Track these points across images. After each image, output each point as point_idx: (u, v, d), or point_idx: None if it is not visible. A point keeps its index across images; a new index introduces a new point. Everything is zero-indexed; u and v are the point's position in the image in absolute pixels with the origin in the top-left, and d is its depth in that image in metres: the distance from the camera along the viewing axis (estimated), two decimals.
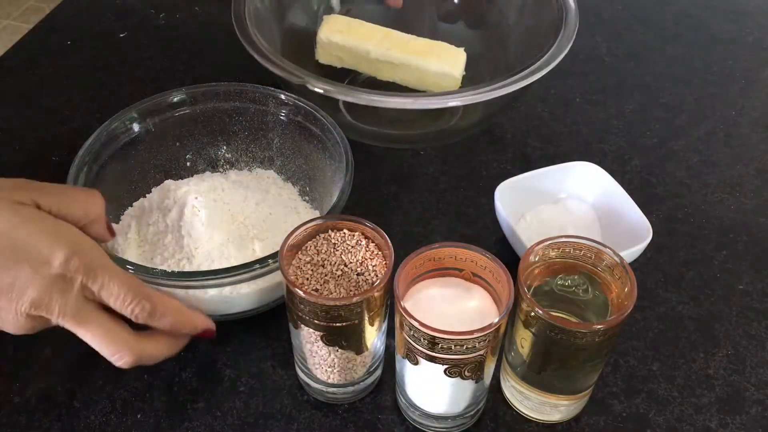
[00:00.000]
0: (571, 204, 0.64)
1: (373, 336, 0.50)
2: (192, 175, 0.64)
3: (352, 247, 0.49)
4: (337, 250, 0.49)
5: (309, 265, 0.49)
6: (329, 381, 0.51)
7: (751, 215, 0.68)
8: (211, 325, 0.51)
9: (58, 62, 0.82)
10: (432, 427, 0.52)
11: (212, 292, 0.53)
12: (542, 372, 0.49)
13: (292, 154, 0.64)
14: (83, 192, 0.49)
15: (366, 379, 0.53)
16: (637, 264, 0.61)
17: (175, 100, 0.62)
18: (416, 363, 0.46)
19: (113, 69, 0.82)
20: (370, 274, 0.49)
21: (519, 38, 0.75)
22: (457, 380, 0.47)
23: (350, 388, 0.52)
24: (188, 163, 0.65)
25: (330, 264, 0.49)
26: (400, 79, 0.72)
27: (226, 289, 0.53)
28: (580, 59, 0.85)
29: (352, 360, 0.50)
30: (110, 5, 0.90)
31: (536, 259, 0.49)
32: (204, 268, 0.53)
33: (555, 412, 0.52)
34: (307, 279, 0.48)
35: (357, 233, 0.50)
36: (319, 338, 0.48)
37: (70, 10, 0.90)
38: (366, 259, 0.49)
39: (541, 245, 0.48)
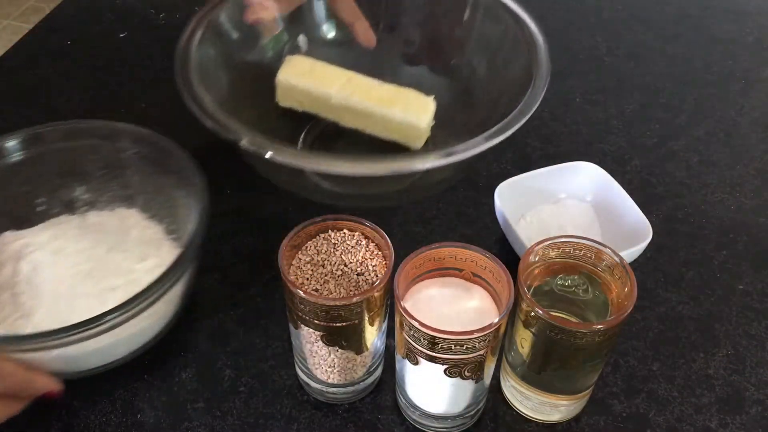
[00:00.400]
0: (571, 204, 0.64)
1: (373, 336, 0.50)
2: (46, 220, 0.60)
3: (352, 247, 0.50)
4: (337, 250, 0.49)
5: (309, 265, 0.49)
6: (329, 381, 0.51)
7: (751, 215, 0.68)
8: (54, 386, 0.48)
9: (58, 62, 0.82)
10: (432, 427, 0.52)
11: (56, 351, 0.48)
12: (542, 372, 0.49)
13: (153, 191, 0.60)
14: None
15: (366, 379, 0.53)
16: (637, 264, 0.61)
17: (10, 144, 0.58)
18: (416, 363, 0.46)
19: (113, 69, 0.82)
20: (370, 274, 0.49)
21: (490, 87, 0.67)
22: (457, 380, 0.47)
23: (350, 388, 0.52)
24: (41, 208, 0.60)
25: (330, 264, 0.49)
26: (363, 126, 0.66)
27: (72, 348, 0.48)
28: (580, 59, 0.85)
29: (352, 360, 0.50)
30: (110, 5, 0.90)
31: (536, 259, 0.49)
32: (45, 327, 0.47)
33: (555, 412, 0.52)
34: (307, 279, 0.48)
35: (357, 233, 0.50)
36: (319, 338, 0.48)
37: (70, 10, 0.90)
38: (366, 259, 0.49)
39: (541, 245, 0.48)
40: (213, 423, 0.52)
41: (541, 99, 0.57)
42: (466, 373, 0.46)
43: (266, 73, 0.67)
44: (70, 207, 0.61)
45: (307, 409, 0.53)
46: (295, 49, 0.71)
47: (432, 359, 0.45)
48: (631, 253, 0.58)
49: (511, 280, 0.45)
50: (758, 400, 0.54)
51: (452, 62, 0.72)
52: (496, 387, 0.54)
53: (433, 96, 0.66)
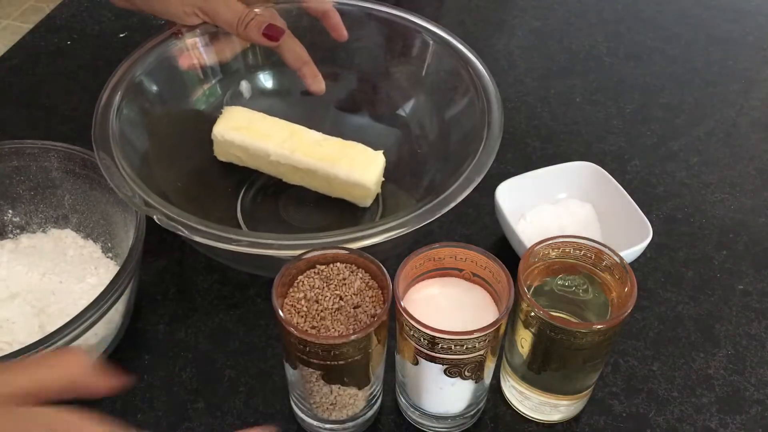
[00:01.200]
0: (571, 204, 0.64)
1: (378, 366, 0.48)
2: None
3: (346, 278, 0.47)
4: (330, 284, 0.47)
5: (303, 301, 0.46)
6: (330, 418, 0.49)
7: (751, 215, 0.68)
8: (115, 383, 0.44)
9: (58, 62, 0.82)
10: (432, 427, 0.52)
11: None
12: (542, 372, 0.49)
13: (87, 209, 0.59)
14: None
15: (366, 413, 0.51)
16: (637, 264, 0.61)
17: None
18: (416, 363, 0.46)
19: (113, 69, 0.82)
20: (367, 306, 0.46)
21: (441, 137, 0.64)
22: (457, 380, 0.47)
23: (350, 424, 0.51)
24: None
25: (324, 299, 0.46)
26: (308, 184, 0.63)
27: None
28: (580, 59, 0.85)
29: (354, 396, 0.48)
30: (110, 5, 0.90)
31: (536, 259, 0.49)
32: None
33: (555, 412, 0.52)
34: (303, 317, 0.45)
35: (350, 264, 0.48)
36: (320, 377, 0.46)
37: (70, 10, 0.90)
38: (362, 290, 0.47)
39: (541, 245, 0.48)
40: (213, 423, 0.52)
41: (497, 149, 0.56)
42: (466, 373, 0.46)
43: (208, 121, 0.64)
44: (0, 232, 0.60)
45: None
46: (237, 96, 0.67)
47: (432, 359, 0.45)
48: (631, 253, 0.58)
49: (511, 280, 0.45)
50: (758, 400, 0.54)
51: (398, 111, 0.68)
52: (496, 387, 0.54)
53: (383, 151, 0.62)
